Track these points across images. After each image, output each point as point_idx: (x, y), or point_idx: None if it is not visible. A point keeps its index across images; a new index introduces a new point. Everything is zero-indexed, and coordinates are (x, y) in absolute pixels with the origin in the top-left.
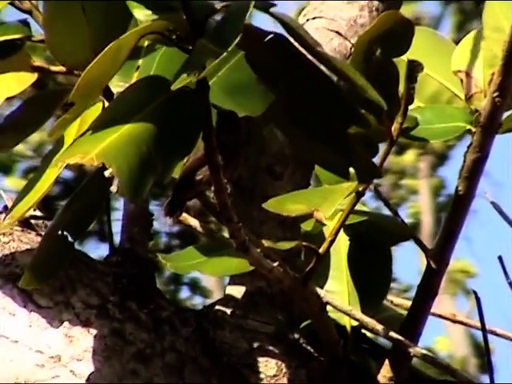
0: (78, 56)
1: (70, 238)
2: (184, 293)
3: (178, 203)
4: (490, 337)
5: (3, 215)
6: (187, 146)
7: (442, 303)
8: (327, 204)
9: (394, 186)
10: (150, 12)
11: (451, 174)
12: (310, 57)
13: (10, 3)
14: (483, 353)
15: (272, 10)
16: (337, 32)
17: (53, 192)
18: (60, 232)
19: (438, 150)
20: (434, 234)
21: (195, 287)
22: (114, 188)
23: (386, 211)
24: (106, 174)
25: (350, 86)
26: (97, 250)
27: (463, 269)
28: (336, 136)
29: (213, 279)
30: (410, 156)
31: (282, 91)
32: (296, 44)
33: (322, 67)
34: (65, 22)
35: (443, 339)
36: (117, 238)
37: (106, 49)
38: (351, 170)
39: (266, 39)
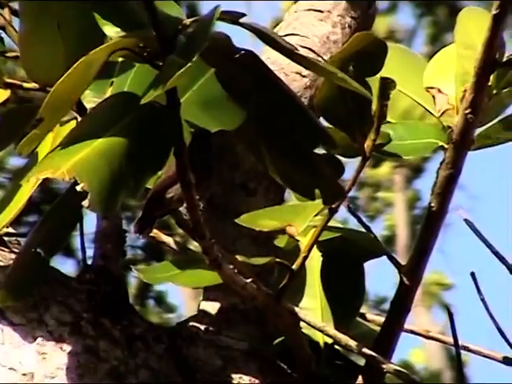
0: (52, 73)
1: (43, 255)
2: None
3: (148, 220)
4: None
5: None
6: (158, 162)
7: (418, 316)
8: (300, 219)
9: (370, 199)
10: (119, 29)
11: (426, 186)
12: (278, 74)
13: None
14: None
15: (243, 20)
16: (310, 49)
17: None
18: (34, 249)
19: (413, 162)
20: (410, 246)
21: (161, 302)
22: (85, 203)
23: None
24: (78, 188)
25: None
26: (63, 266)
27: (439, 281)
28: (302, 156)
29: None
30: (385, 169)
31: (251, 109)
32: (269, 59)
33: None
34: (40, 39)
35: (419, 351)
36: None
37: (75, 64)
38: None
39: (236, 56)
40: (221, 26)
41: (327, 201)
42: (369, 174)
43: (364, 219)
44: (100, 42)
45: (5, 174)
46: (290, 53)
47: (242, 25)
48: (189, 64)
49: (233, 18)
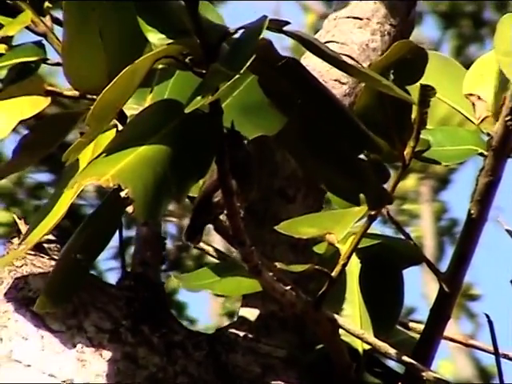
0: (94, 81)
1: (83, 262)
2: None
3: (197, 227)
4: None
5: (16, 240)
6: (201, 169)
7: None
8: (339, 227)
9: (396, 211)
10: (163, 36)
11: (453, 197)
12: (321, 81)
13: (24, 26)
14: (487, 376)
15: (286, 28)
16: (349, 56)
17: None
18: (74, 256)
19: (440, 174)
20: (437, 257)
21: (180, 314)
22: (129, 208)
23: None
24: (122, 194)
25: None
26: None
27: (466, 291)
28: (347, 161)
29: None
30: (411, 181)
31: (295, 115)
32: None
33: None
34: (82, 47)
35: (447, 363)
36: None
37: (121, 73)
38: (362, 195)
39: (279, 63)
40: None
41: (373, 206)
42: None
43: (391, 231)
44: (142, 50)
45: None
46: (334, 60)
47: (286, 33)
48: (237, 76)
49: (277, 26)
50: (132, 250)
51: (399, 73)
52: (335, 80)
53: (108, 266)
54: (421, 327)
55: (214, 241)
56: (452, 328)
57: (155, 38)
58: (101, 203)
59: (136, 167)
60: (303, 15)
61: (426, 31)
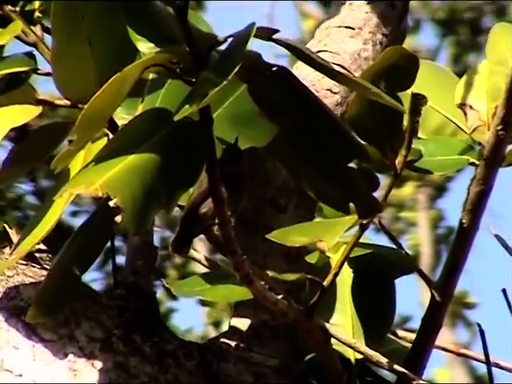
0: (84, 90)
1: (75, 272)
2: None
3: (185, 239)
4: (493, 369)
5: (7, 249)
6: (191, 178)
7: (442, 334)
8: (330, 235)
9: (393, 219)
10: (153, 45)
11: (450, 205)
12: (311, 90)
13: (15, 36)
14: None
15: (276, 36)
16: (340, 65)
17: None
18: (66, 266)
19: (437, 182)
20: (434, 265)
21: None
22: (118, 218)
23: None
24: (111, 204)
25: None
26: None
27: (462, 300)
28: (337, 170)
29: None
30: (408, 188)
31: (285, 124)
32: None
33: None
34: (72, 57)
35: (443, 371)
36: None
37: (109, 81)
38: (352, 204)
39: (269, 72)
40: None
41: (362, 215)
42: (392, 194)
43: (386, 239)
44: (132, 58)
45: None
46: (324, 68)
47: (276, 41)
48: (224, 82)
49: (267, 34)
50: (121, 259)
51: (390, 80)
52: (327, 89)
53: (91, 277)
54: (412, 336)
55: (198, 249)
56: (448, 337)
57: (145, 46)
58: (92, 212)
59: (125, 176)
60: (301, 21)
61: (424, 39)
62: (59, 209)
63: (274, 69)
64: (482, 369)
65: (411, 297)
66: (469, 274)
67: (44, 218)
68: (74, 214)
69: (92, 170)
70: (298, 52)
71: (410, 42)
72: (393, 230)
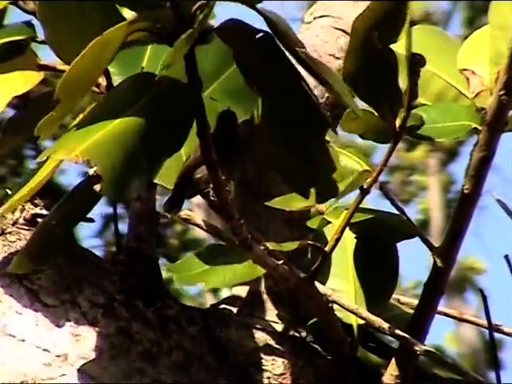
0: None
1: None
2: None
3: (177, 200)
4: (499, 334)
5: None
6: (176, 143)
7: (451, 300)
8: None
9: (404, 183)
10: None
11: (461, 169)
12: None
13: (13, 4)
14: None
15: (259, 6)
16: (343, 30)
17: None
18: (52, 224)
19: (448, 146)
20: (444, 229)
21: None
22: (97, 187)
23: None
24: (91, 171)
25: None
26: None
27: (472, 265)
28: (304, 150)
29: None
30: (419, 152)
31: (264, 93)
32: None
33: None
34: (64, 20)
35: (452, 336)
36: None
37: (89, 45)
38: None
39: (256, 37)
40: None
41: (319, 200)
42: (403, 157)
43: (390, 204)
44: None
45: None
46: (292, 49)
47: (258, 10)
48: (191, 30)
49: (250, 2)
50: (124, 226)
51: (382, 30)
52: (330, 55)
53: (92, 244)
54: (413, 302)
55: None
56: (457, 303)
57: (130, 14)
58: (81, 180)
59: (106, 143)
60: None
61: (437, 2)
62: (45, 171)
63: (260, 35)
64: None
65: (422, 262)
66: (481, 238)
67: (32, 178)
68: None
69: (74, 136)
70: (274, 27)
71: (422, 5)
72: (404, 194)
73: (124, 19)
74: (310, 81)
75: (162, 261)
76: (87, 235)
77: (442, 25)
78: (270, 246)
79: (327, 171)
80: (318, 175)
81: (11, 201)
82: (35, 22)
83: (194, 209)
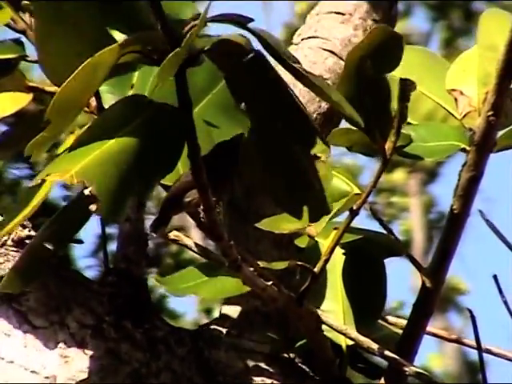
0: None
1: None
2: None
3: (164, 220)
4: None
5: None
6: (168, 164)
7: (434, 320)
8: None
9: (385, 204)
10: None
11: (442, 190)
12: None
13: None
14: (476, 370)
15: (250, 25)
16: (331, 51)
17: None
18: (41, 243)
19: (428, 167)
20: (426, 250)
21: (161, 308)
22: (92, 207)
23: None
24: (86, 192)
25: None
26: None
27: (455, 286)
28: (295, 171)
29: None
30: (400, 174)
31: (253, 112)
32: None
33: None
34: (57, 41)
35: (436, 356)
36: None
37: (81, 66)
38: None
39: (246, 59)
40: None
41: (312, 219)
42: (384, 179)
43: (379, 224)
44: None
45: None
46: (288, 65)
47: (250, 30)
48: (178, 49)
49: (242, 22)
50: (114, 246)
51: (377, 60)
52: (318, 76)
53: (87, 264)
54: (403, 322)
55: (192, 235)
56: (440, 323)
57: (121, 36)
58: (71, 199)
59: (101, 164)
60: (294, 4)
61: (416, 23)
62: (40, 195)
63: (251, 56)
64: (474, 355)
65: (403, 282)
66: (463, 259)
67: (26, 202)
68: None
69: (68, 157)
70: (267, 45)
71: (401, 26)
72: (385, 216)
73: (115, 41)
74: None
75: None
76: (82, 255)
77: (421, 46)
78: (261, 264)
79: (319, 189)
80: (309, 195)
81: (6, 228)
82: (24, 40)
83: (192, 229)
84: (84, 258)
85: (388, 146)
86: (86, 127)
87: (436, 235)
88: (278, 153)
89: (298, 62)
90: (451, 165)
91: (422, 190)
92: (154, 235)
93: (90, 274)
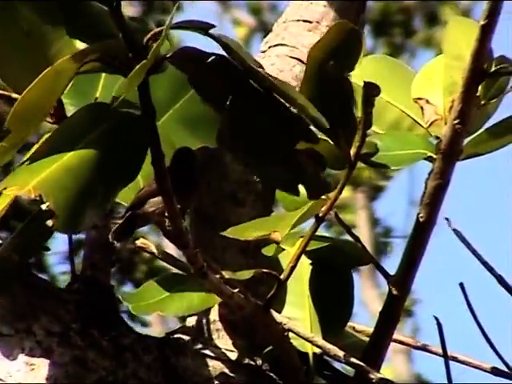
0: (27, 83)
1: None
2: None
3: (127, 229)
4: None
5: None
6: (130, 172)
7: None
8: (283, 225)
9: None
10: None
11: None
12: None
13: None
14: (424, 382)
15: (212, 31)
16: (298, 59)
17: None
18: (8, 253)
19: (373, 183)
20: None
21: (134, 316)
22: (49, 222)
23: None
24: (43, 207)
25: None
26: None
27: None
28: (284, 153)
29: None
30: (346, 191)
31: (226, 112)
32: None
33: None
34: (11, 49)
35: (387, 368)
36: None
37: (41, 75)
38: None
39: (208, 60)
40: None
41: (312, 195)
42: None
43: (345, 231)
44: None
45: None
46: (250, 70)
47: (212, 36)
48: (145, 61)
49: (204, 28)
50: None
51: (337, 59)
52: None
53: (60, 270)
54: (369, 330)
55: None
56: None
57: (83, 44)
58: (33, 213)
59: (59, 177)
60: (233, 28)
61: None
62: (1, 205)
63: (213, 57)
64: (421, 365)
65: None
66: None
67: None
68: None
69: (27, 170)
70: (229, 50)
71: None
72: (333, 232)
73: (76, 49)
74: None
75: (129, 287)
76: (56, 261)
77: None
78: (226, 274)
79: (314, 169)
80: (304, 174)
81: None
82: None
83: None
84: (58, 264)
85: (353, 151)
86: (45, 138)
87: (382, 250)
88: (259, 141)
89: (262, 67)
90: (396, 181)
91: (368, 205)
92: (118, 244)
93: (65, 279)
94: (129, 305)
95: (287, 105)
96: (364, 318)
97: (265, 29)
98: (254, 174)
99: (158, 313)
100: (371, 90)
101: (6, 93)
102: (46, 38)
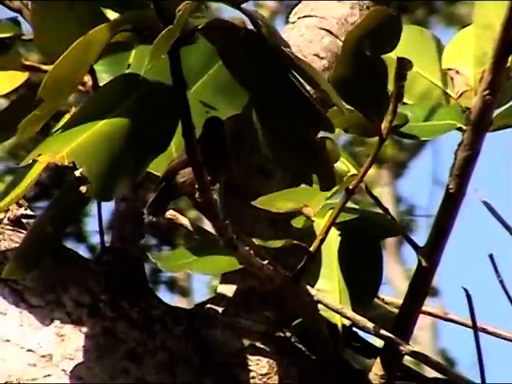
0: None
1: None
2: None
3: (161, 203)
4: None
5: None
6: (161, 144)
7: None
8: (315, 200)
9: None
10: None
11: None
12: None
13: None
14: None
15: (244, 6)
16: (328, 30)
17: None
18: (42, 226)
19: (399, 160)
20: (400, 240)
21: (173, 286)
22: (83, 189)
23: None
24: (77, 173)
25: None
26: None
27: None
28: (300, 139)
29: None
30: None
31: (252, 90)
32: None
33: None
34: (53, 20)
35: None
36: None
37: (72, 45)
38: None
39: (239, 35)
40: None
41: (323, 187)
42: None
43: (375, 203)
44: None
45: None
46: (278, 50)
47: (243, 10)
48: (171, 26)
49: (236, 2)
50: None
51: (374, 42)
52: (314, 55)
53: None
54: (398, 302)
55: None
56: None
57: (114, 15)
58: (68, 183)
59: (92, 144)
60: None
61: None
62: (33, 174)
63: (244, 32)
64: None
65: None
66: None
67: (19, 181)
68: None
69: (60, 138)
70: (258, 27)
71: None
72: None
73: (108, 20)
74: (322, 63)
75: None
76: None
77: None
78: (256, 242)
79: (327, 159)
80: (319, 166)
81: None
82: (21, 19)
83: None
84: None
85: (384, 125)
86: (78, 107)
87: (407, 227)
88: (281, 125)
89: (289, 47)
90: (420, 159)
91: (392, 181)
92: (153, 219)
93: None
94: (158, 263)
95: (308, 89)
96: (389, 294)
97: (287, 12)
98: (272, 157)
99: (186, 270)
100: (404, 65)
101: (34, 64)
102: (83, 8)
